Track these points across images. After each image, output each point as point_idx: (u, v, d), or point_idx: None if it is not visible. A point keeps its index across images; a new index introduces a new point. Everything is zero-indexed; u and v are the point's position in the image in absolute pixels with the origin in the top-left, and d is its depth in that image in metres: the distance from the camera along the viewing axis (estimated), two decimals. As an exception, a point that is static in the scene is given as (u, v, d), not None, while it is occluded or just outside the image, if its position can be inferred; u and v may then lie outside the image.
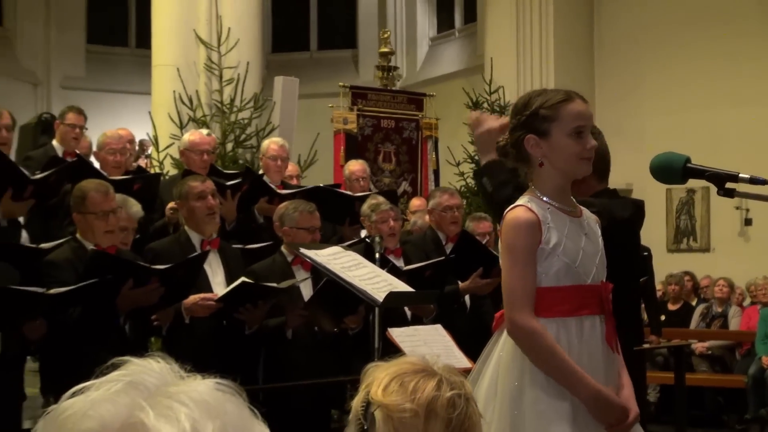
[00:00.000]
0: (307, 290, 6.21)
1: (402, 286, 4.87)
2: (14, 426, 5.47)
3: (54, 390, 6.90)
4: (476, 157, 13.04)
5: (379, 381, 1.99)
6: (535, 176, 3.32)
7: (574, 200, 3.40)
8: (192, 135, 7.83)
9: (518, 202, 3.29)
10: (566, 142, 3.24)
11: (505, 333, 3.32)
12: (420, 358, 2.07)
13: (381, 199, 7.28)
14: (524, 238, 3.21)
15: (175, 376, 1.11)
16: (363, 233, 7.51)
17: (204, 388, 1.09)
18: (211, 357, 5.54)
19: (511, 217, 3.25)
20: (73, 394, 1.08)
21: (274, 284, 5.81)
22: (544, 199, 3.27)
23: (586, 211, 3.42)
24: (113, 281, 5.22)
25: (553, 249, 3.22)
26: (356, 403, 2.00)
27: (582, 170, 3.31)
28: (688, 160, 2.93)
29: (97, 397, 1.05)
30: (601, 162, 3.84)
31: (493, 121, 3.82)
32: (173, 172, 9.75)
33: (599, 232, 3.41)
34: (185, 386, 1.08)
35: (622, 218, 3.75)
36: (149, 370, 1.10)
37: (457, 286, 6.94)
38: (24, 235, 6.44)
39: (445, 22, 18.53)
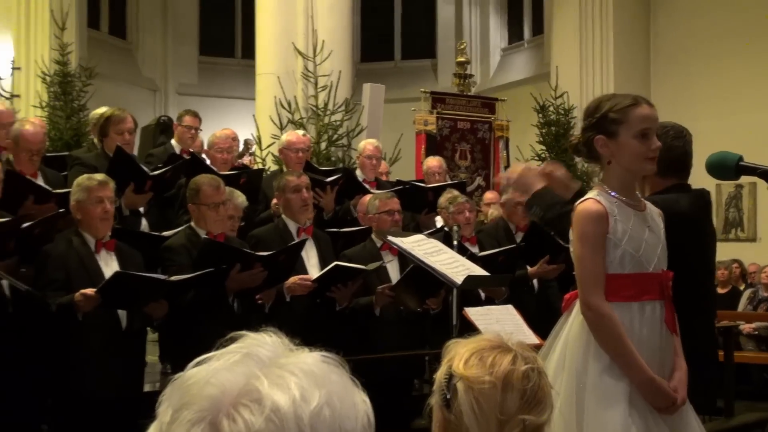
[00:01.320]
0: (393, 272, 6.25)
1: (478, 271, 4.86)
2: (137, 389, 5.57)
3: (171, 358, 7.03)
4: (543, 155, 12.95)
5: (460, 356, 1.98)
6: (603, 173, 3.29)
7: (638, 195, 3.36)
8: (289, 135, 7.91)
9: (588, 196, 3.26)
10: (632, 143, 3.20)
11: (573, 313, 3.30)
12: (495, 336, 2.05)
13: (457, 192, 7.26)
14: (594, 227, 3.18)
15: (285, 348, 1.12)
16: (438, 222, 7.52)
17: (311, 360, 1.09)
18: (308, 330, 5.61)
19: (581, 209, 3.22)
20: (197, 364, 1.09)
21: (363, 266, 5.86)
22: (612, 193, 3.24)
23: (650, 205, 3.37)
24: (225, 270, 5.31)
25: (619, 239, 3.18)
26: (439, 375, 1.99)
27: (646, 169, 3.27)
28: (740, 158, 2.87)
29: (218, 367, 1.07)
30: (673, 160, 3.76)
31: (515, 168, 3.84)
32: (274, 168, 9.84)
33: (662, 225, 3.36)
34: (295, 358, 1.09)
35: (680, 212, 3.67)
36: (263, 343, 1.11)
37: (526, 270, 6.89)
38: (143, 223, 6.55)
39: (515, 34, 18.40)
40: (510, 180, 3.87)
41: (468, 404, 1.92)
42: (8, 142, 6.32)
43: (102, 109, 7.26)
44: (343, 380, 1.11)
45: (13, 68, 13.01)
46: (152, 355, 6.77)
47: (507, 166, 12.69)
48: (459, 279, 4.52)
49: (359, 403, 1.11)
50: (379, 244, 6.28)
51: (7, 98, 12.52)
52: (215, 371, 1.06)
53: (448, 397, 1.95)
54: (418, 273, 5.43)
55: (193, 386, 1.06)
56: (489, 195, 9.32)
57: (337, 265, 5.72)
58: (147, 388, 5.97)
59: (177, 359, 6.19)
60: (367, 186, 7.53)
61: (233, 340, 1.13)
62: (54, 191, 5.75)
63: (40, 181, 6.14)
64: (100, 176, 5.43)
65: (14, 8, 13.15)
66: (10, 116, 6.84)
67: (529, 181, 3.69)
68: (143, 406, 5.76)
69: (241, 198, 6.50)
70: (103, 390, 5.08)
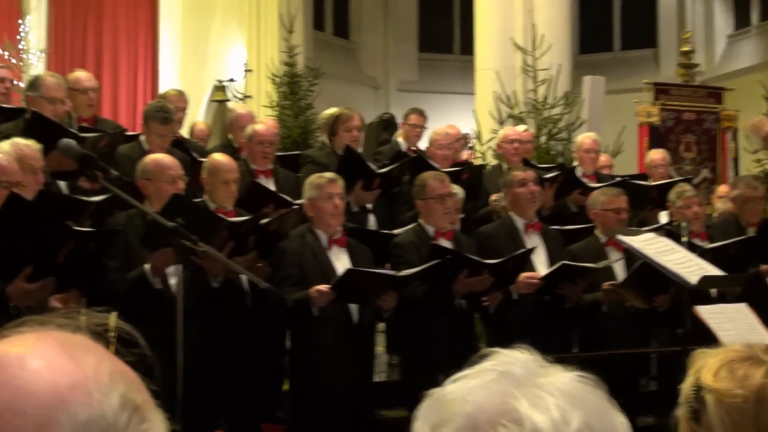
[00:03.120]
0: (618, 269, 6.09)
1: (713, 270, 4.66)
2: (367, 380, 5.70)
3: (396, 349, 7.16)
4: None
5: (708, 367, 1.88)
6: None
7: None
8: (506, 130, 7.92)
9: None
10: None
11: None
12: (745, 346, 1.94)
13: (687, 186, 6.99)
14: None
15: (538, 365, 1.09)
16: (662, 217, 7.28)
17: (568, 379, 1.06)
18: (532, 327, 5.58)
19: None
20: (454, 381, 1.08)
21: (591, 264, 5.74)
22: None
23: None
24: (451, 265, 5.34)
25: None
26: (686, 387, 1.90)
27: None
28: None
29: (474, 385, 1.05)
30: None
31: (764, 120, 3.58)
32: (493, 163, 9.81)
33: None
34: (551, 377, 1.06)
35: None
36: (516, 360, 1.08)
37: (758, 267, 6.54)
38: (371, 219, 6.69)
39: (742, 20, 17.50)
40: (761, 135, 3.64)
41: (719, 418, 1.82)
42: (243, 142, 6.63)
43: (331, 110, 7.48)
44: (601, 401, 1.07)
45: (246, 71, 13.63)
46: (378, 346, 6.91)
47: (735, 157, 12.14)
48: (693, 279, 4.36)
49: (618, 425, 1.07)
50: (603, 240, 6.13)
51: (240, 99, 13.13)
52: (472, 389, 1.05)
53: (697, 409, 1.85)
54: (646, 270, 5.26)
55: (450, 404, 1.05)
56: (723, 188, 8.92)
57: (564, 265, 5.64)
58: (376, 378, 6.13)
59: (401, 351, 6.30)
60: (585, 181, 7.40)
61: (485, 356, 1.11)
62: (294, 202, 5.94)
63: (271, 182, 6.41)
64: (330, 174, 5.60)
65: (246, 15, 13.76)
66: (248, 119, 7.17)
67: None
68: (373, 396, 5.91)
69: (460, 194, 6.52)
70: (335, 380, 5.23)
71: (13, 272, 4.02)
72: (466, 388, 1.05)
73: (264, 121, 7.02)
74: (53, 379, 0.85)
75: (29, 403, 0.83)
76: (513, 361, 1.08)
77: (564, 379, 1.06)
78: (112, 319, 1.00)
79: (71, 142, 4.20)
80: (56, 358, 0.87)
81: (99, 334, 0.93)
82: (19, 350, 0.87)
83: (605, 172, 8.21)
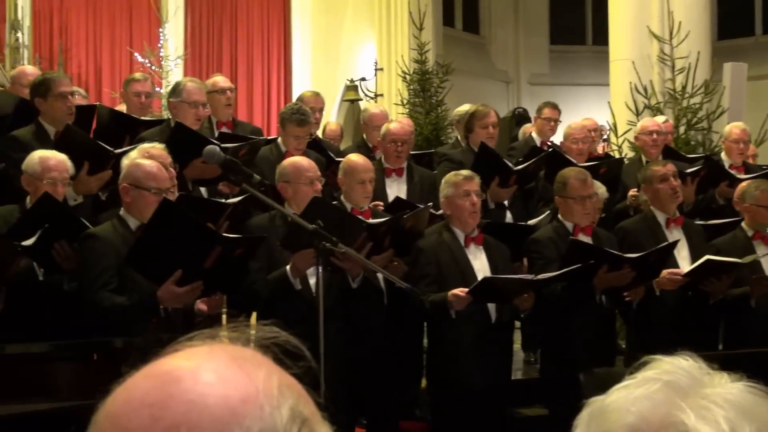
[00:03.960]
0: (765, 263, 5.88)
1: None
2: (505, 377, 5.68)
3: (533, 347, 7.11)
4: None
5: None
6: None
7: None
8: (645, 122, 7.76)
9: None
10: None
11: None
12: None
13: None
14: None
15: (703, 373, 1.05)
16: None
17: (736, 390, 1.02)
18: (675, 324, 5.45)
19: None
20: (616, 390, 1.06)
21: (737, 259, 5.56)
22: None
23: None
24: (592, 266, 5.26)
25: None
26: None
27: None
28: None
29: (638, 395, 1.03)
30: None
31: None
32: (631, 155, 9.61)
33: None
34: (719, 387, 1.02)
35: None
36: (680, 369, 1.05)
37: None
38: (508, 215, 6.64)
39: None
40: None
41: None
42: (379, 141, 6.70)
43: (464, 106, 7.47)
44: (774, 413, 1.03)
45: (377, 69, 13.74)
46: (515, 343, 6.87)
47: None
48: None
49: (791, 439, 1.02)
50: (750, 233, 5.92)
51: (371, 98, 13.25)
52: (635, 399, 1.03)
53: None
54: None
55: (612, 413, 1.03)
56: None
57: (708, 260, 5.47)
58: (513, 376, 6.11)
59: (542, 349, 6.24)
60: (733, 172, 7.15)
61: (646, 364, 1.09)
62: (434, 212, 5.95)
63: (403, 180, 6.45)
64: (466, 172, 5.61)
65: (376, 13, 13.88)
66: (382, 119, 7.23)
67: None
68: (511, 394, 5.89)
69: (601, 189, 6.39)
70: (474, 379, 5.23)
71: (164, 276, 4.16)
72: (630, 398, 1.03)
73: (399, 120, 7.07)
74: (226, 392, 0.86)
75: (204, 417, 0.85)
76: (677, 369, 1.05)
77: (733, 389, 1.03)
78: (252, 319, 1.02)
79: (215, 148, 4.32)
80: (228, 371, 0.89)
81: (267, 348, 0.95)
82: (192, 364, 0.89)
83: (751, 161, 7.93)
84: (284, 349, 0.97)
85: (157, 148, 4.91)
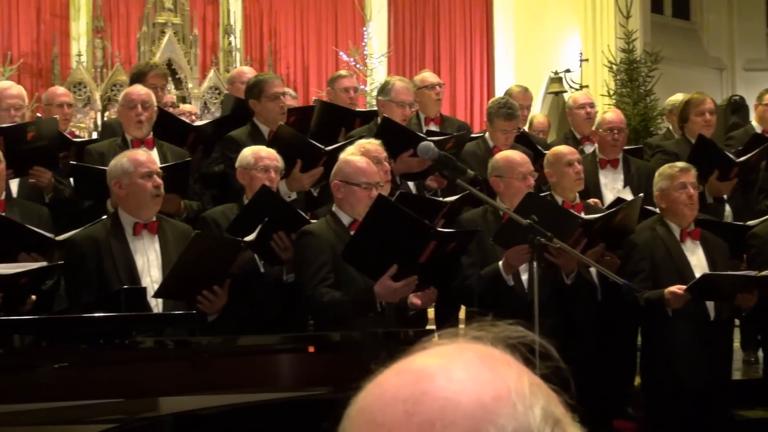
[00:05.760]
0: None
1: None
2: (725, 377, 5.47)
3: (752, 346, 6.79)
4: None
5: None
6: None
7: None
8: None
9: None
10: None
11: None
12: None
13: None
14: None
15: None
16: None
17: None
18: None
19: None
20: None
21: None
22: None
23: None
24: None
25: None
26: None
27: None
28: None
29: None
30: None
31: None
32: None
33: None
34: None
35: None
36: None
37: None
38: (727, 209, 6.35)
39: None
40: None
41: None
42: (592, 131, 6.62)
43: (677, 96, 7.22)
44: None
45: (582, 60, 13.52)
46: (734, 342, 6.58)
47: None
48: None
49: None
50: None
51: (576, 89, 13.03)
52: None
53: None
54: None
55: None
56: None
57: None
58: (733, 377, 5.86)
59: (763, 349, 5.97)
60: None
61: None
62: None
63: (619, 171, 6.29)
64: (682, 163, 5.44)
65: (581, 3, 13.65)
66: (586, 99, 7.18)
67: None
68: (731, 395, 5.64)
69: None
70: (691, 379, 5.05)
71: (380, 271, 4.24)
72: None
73: (612, 109, 6.94)
74: (478, 390, 0.87)
75: (458, 414, 0.85)
76: None
77: None
78: (461, 315, 1.01)
79: (430, 144, 4.36)
80: (478, 370, 0.89)
81: (514, 347, 0.94)
82: (443, 362, 0.90)
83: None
84: (530, 348, 0.96)
85: (373, 143, 5.03)
